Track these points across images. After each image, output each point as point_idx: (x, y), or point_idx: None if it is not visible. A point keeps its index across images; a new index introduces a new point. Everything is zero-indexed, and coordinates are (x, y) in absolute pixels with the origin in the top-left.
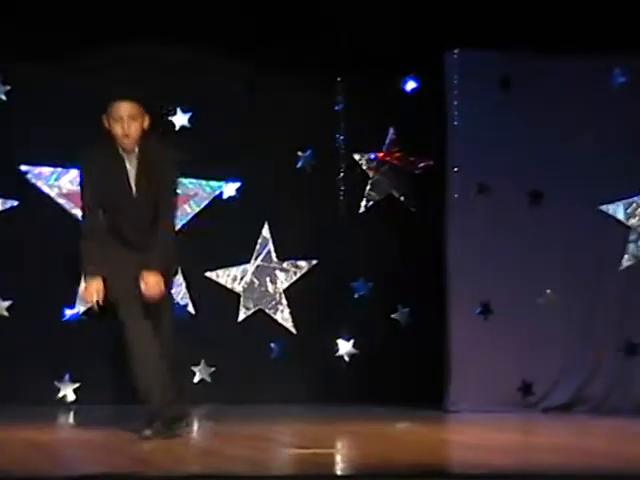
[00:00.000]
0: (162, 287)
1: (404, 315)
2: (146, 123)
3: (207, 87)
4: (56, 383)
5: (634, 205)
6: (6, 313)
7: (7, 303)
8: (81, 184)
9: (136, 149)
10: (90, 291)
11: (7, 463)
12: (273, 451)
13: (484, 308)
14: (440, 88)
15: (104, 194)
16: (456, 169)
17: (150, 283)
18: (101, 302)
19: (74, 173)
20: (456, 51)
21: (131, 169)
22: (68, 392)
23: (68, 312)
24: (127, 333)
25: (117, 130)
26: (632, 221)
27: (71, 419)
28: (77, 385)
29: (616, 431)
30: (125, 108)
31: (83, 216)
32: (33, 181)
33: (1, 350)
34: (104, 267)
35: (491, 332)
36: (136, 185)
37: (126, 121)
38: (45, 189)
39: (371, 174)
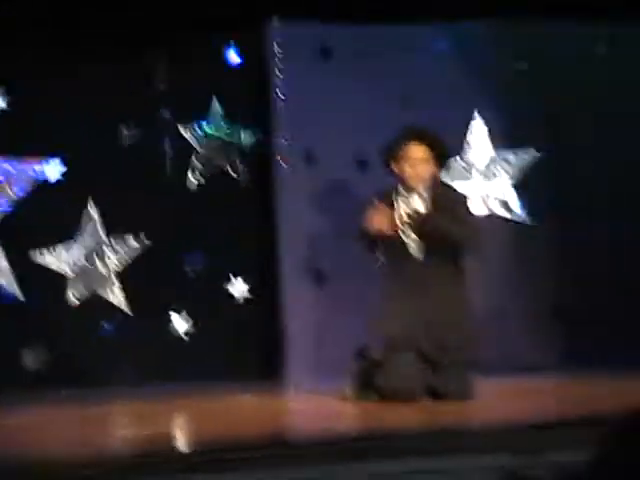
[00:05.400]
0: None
1: (239, 287)
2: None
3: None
4: None
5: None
6: None
7: None
8: None
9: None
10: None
11: None
12: (109, 433)
13: (318, 276)
14: (262, 58)
15: None
16: (284, 140)
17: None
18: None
19: None
20: (275, 20)
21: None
22: None
23: None
24: None
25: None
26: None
27: None
28: None
29: None
30: (416, 150)
31: None
32: None
33: None
34: None
35: (326, 300)
36: None
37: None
38: None
39: (198, 148)
